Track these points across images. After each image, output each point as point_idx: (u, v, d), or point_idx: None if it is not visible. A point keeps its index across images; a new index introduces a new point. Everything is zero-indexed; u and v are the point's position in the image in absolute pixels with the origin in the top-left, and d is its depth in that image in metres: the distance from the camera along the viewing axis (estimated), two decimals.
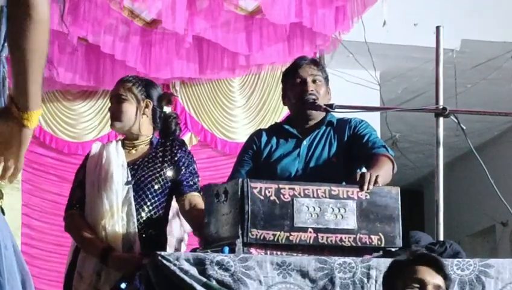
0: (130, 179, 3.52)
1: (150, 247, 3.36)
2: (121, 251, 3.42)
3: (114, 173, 3.51)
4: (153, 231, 3.53)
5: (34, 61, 1.84)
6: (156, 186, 3.55)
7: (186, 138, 6.23)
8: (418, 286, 2.68)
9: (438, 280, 2.71)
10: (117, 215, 3.46)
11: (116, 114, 3.63)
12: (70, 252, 3.61)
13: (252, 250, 2.98)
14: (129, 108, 3.62)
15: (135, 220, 3.47)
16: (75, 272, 3.47)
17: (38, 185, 6.12)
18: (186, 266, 2.82)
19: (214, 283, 2.81)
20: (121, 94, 3.63)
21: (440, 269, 2.73)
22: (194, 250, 3.17)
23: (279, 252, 3.00)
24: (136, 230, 3.47)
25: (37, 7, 1.80)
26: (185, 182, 3.59)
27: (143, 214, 3.51)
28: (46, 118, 6.10)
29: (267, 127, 4.07)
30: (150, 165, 3.58)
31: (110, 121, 3.71)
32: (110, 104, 3.71)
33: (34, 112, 1.89)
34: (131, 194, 3.50)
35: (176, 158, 3.61)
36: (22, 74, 1.85)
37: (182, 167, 3.61)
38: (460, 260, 3.06)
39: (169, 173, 3.59)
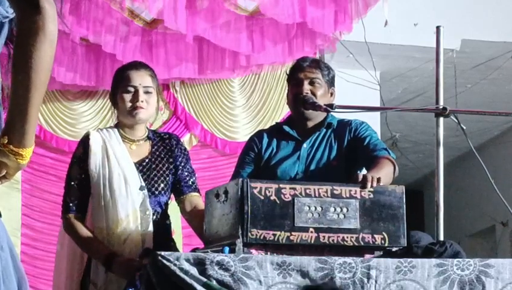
0: (142, 183, 3.46)
1: (161, 247, 3.28)
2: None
3: (127, 176, 3.43)
4: (163, 232, 3.51)
5: (36, 87, 1.79)
6: (163, 187, 3.52)
7: (186, 138, 6.23)
8: None
9: None
10: (133, 222, 3.38)
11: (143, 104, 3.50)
12: (67, 255, 3.50)
13: (252, 250, 2.97)
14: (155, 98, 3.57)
15: (152, 225, 3.42)
16: (90, 283, 3.37)
17: (38, 186, 6.10)
18: (187, 266, 2.81)
19: (214, 283, 2.81)
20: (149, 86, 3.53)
21: None
22: (194, 250, 3.16)
23: (279, 252, 3.00)
24: (152, 234, 3.41)
25: (50, 26, 1.78)
26: (183, 182, 3.57)
27: (154, 216, 3.46)
28: (46, 118, 6.08)
29: (267, 127, 4.07)
30: (157, 166, 3.53)
31: (116, 118, 3.59)
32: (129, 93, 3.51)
33: (29, 149, 1.84)
34: (147, 199, 3.44)
35: (174, 156, 3.58)
36: (21, 105, 1.79)
37: (179, 166, 3.58)
38: (460, 260, 3.04)
39: (169, 171, 3.57)
